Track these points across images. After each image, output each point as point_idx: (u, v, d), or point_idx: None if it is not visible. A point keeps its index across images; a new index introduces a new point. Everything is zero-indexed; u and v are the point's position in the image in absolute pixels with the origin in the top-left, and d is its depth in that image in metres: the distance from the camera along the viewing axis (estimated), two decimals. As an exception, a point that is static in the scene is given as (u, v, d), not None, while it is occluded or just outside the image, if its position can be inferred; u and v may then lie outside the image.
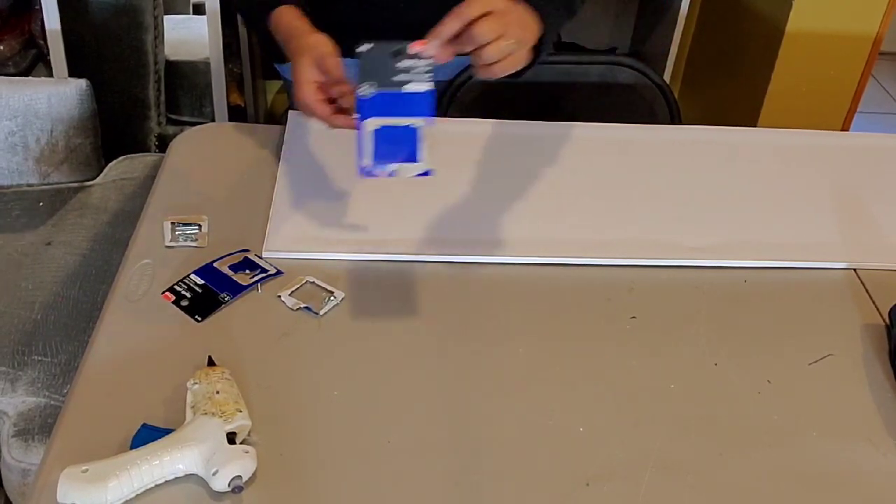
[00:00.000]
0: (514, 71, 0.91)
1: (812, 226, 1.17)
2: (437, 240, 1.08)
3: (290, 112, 1.32)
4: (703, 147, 1.33)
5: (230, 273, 1.01)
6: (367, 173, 0.78)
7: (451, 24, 0.85)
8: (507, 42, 0.86)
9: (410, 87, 0.79)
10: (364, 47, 0.86)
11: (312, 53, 0.98)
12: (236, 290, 0.99)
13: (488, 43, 0.85)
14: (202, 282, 0.99)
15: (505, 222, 1.12)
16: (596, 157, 1.28)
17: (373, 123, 0.78)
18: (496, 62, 0.87)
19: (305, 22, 1.05)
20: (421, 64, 0.81)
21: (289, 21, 1.06)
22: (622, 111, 1.54)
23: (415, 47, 0.83)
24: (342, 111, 0.97)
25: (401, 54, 0.80)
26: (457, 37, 0.86)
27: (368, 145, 0.78)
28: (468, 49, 0.86)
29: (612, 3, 2.90)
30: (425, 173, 0.77)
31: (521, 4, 0.95)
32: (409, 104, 0.78)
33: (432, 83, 0.80)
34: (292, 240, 1.06)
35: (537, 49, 0.98)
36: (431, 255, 1.06)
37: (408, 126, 0.77)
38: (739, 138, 1.36)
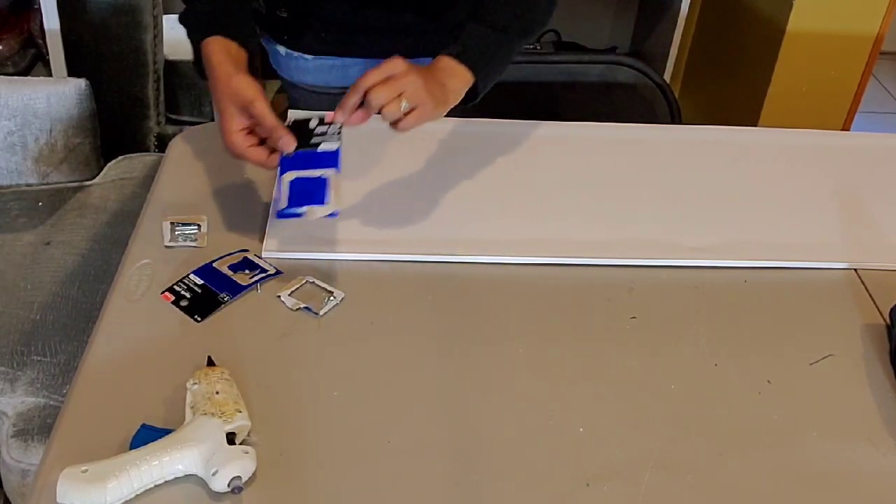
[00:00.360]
0: (425, 122, 1.00)
1: (812, 226, 1.17)
2: (436, 240, 1.08)
3: (290, 112, 1.32)
4: (704, 147, 1.33)
5: (230, 273, 1.01)
6: (282, 215, 0.90)
7: (352, 97, 0.97)
8: (403, 102, 0.97)
9: (322, 147, 0.94)
10: (288, 121, 0.99)
11: (236, 100, 0.98)
12: (236, 290, 0.98)
13: (384, 105, 0.96)
14: (202, 282, 0.99)
15: (504, 222, 1.12)
16: (596, 156, 1.28)
17: (289, 176, 0.92)
18: (398, 120, 0.97)
19: (231, 61, 1.02)
20: (334, 129, 0.96)
21: (214, 55, 1.02)
22: (622, 111, 1.54)
23: (328, 118, 0.99)
24: (274, 150, 1.00)
25: (318, 124, 0.96)
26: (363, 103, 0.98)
27: (285, 193, 0.90)
28: (374, 112, 0.98)
29: (612, 3, 2.91)
30: (332, 214, 0.89)
31: (441, 63, 1.06)
32: (320, 160, 0.92)
33: (340, 142, 0.94)
34: (291, 240, 1.06)
35: (476, 89, 1.09)
36: (431, 255, 1.06)
37: (319, 177, 0.90)
38: (739, 138, 1.36)
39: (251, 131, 1.00)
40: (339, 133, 0.94)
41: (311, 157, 0.92)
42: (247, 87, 0.98)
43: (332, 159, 0.92)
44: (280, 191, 0.90)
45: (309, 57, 1.36)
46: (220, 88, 0.99)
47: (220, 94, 0.99)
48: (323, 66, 1.37)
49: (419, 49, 1.40)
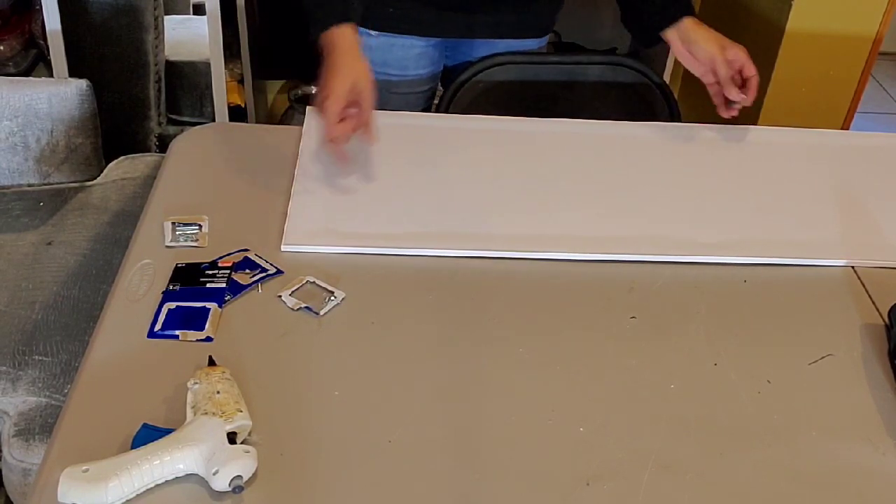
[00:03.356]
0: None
1: (811, 224, 1.17)
2: (437, 235, 1.08)
3: (308, 108, 1.33)
4: (704, 145, 1.33)
5: (230, 272, 1.01)
6: (153, 335, 0.93)
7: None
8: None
9: (210, 284, 0.99)
10: (178, 265, 1.03)
11: (353, 77, 1.13)
12: (236, 289, 0.99)
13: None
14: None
15: (504, 218, 1.12)
16: (596, 154, 1.28)
17: (171, 305, 0.96)
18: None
19: (357, 43, 1.17)
20: (223, 273, 1.01)
21: (347, 38, 1.17)
22: (622, 111, 1.54)
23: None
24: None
25: (208, 268, 1.02)
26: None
27: (162, 317, 0.94)
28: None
29: (612, 3, 2.90)
30: (207, 339, 0.93)
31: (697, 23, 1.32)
32: (207, 294, 0.98)
33: (226, 282, 0.99)
34: (310, 234, 1.07)
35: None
36: (434, 250, 1.06)
37: (202, 307, 0.96)
38: (739, 136, 1.36)
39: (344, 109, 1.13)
40: (228, 276, 1.00)
41: (199, 291, 0.98)
42: (368, 74, 1.14)
43: (218, 295, 0.97)
44: (160, 314, 0.95)
45: (374, 33, 1.38)
46: (346, 58, 1.14)
47: (343, 63, 1.14)
48: (385, 43, 1.39)
49: (491, 29, 1.44)
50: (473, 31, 1.46)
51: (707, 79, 1.33)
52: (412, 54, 1.44)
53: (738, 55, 1.29)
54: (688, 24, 1.32)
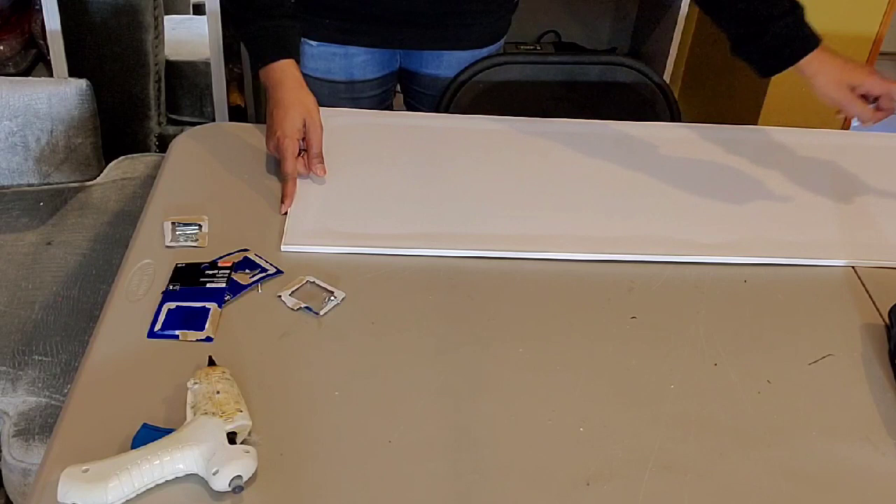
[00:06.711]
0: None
1: (811, 223, 1.17)
2: (437, 235, 1.08)
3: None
4: (704, 145, 1.33)
5: (230, 272, 1.01)
6: (153, 335, 0.93)
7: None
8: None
9: (210, 284, 0.99)
10: (179, 265, 1.03)
11: (303, 113, 1.16)
12: (236, 289, 0.99)
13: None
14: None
15: (505, 218, 1.13)
16: (596, 154, 1.28)
17: (171, 305, 0.96)
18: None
19: (300, 77, 1.19)
20: (223, 273, 1.01)
21: (287, 69, 1.18)
22: (622, 111, 1.54)
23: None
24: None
25: (208, 268, 1.02)
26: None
27: (162, 317, 0.94)
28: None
29: (612, 3, 2.91)
30: (207, 339, 0.93)
31: (832, 53, 1.20)
32: (207, 294, 0.98)
33: (226, 282, 0.99)
34: (311, 234, 1.07)
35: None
36: (434, 249, 1.06)
37: (202, 307, 0.96)
38: (739, 136, 1.36)
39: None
40: (227, 276, 1.00)
41: (199, 291, 0.98)
42: (315, 107, 1.17)
43: (218, 295, 0.97)
44: (159, 314, 0.95)
45: (313, 43, 1.36)
46: (292, 93, 1.17)
47: (292, 101, 1.16)
48: (326, 52, 1.37)
49: (425, 41, 1.41)
50: (419, 44, 1.42)
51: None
52: (356, 62, 1.41)
53: (865, 85, 1.20)
54: (808, 61, 1.23)
